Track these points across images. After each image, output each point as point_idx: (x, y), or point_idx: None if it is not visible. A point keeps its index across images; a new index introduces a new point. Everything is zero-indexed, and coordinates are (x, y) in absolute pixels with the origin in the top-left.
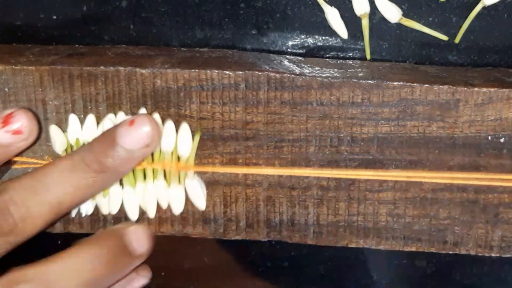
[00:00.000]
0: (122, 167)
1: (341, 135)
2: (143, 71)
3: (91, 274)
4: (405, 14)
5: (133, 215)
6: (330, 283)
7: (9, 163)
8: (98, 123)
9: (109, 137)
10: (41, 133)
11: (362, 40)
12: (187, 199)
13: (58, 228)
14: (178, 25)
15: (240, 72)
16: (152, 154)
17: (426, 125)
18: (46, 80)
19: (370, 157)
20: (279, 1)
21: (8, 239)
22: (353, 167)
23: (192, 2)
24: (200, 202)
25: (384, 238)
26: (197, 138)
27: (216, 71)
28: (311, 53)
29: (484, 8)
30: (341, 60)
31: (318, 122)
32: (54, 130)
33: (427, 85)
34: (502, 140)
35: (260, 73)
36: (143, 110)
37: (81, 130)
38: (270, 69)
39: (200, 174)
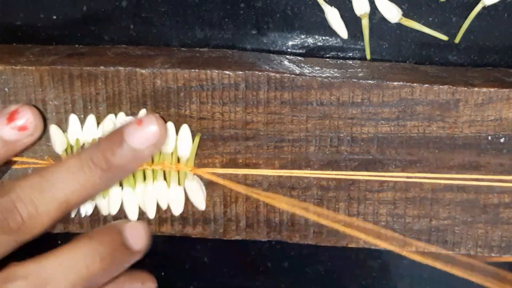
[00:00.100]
0: (129, 165)
1: (341, 135)
2: (143, 71)
3: (86, 270)
4: (405, 14)
5: (133, 215)
6: (330, 283)
7: (9, 163)
8: (98, 123)
9: (116, 136)
10: (46, 129)
11: (362, 40)
12: (187, 199)
13: (58, 228)
14: (178, 25)
15: (240, 72)
16: (152, 156)
17: (426, 125)
18: (46, 80)
19: (370, 157)
20: (279, 1)
21: (15, 237)
22: (353, 167)
23: (192, 2)
24: (200, 202)
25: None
26: (197, 139)
27: (216, 71)
28: (311, 53)
29: (484, 8)
30: (341, 60)
31: (318, 122)
32: (54, 130)
33: (427, 85)
34: (502, 140)
35: (260, 73)
36: (143, 111)
37: (81, 130)
38: (270, 69)
39: (200, 174)
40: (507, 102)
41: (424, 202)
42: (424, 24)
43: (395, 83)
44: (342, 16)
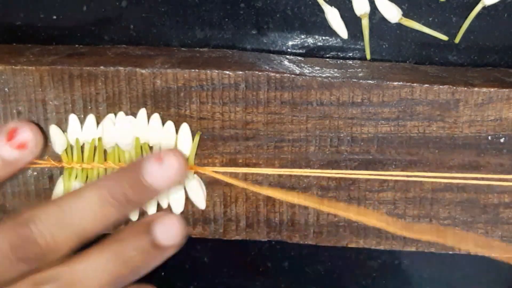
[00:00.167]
0: (146, 200)
1: (341, 135)
2: (143, 71)
3: (115, 272)
4: (405, 14)
5: (133, 215)
6: (330, 283)
7: None
8: (98, 123)
9: (136, 173)
10: (46, 143)
11: (362, 40)
12: (187, 199)
13: None
14: (178, 25)
15: (240, 72)
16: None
17: (426, 125)
18: (46, 80)
19: (370, 157)
20: (279, 1)
21: (32, 266)
22: (353, 167)
23: (192, 2)
24: (200, 201)
25: (384, 238)
26: (197, 138)
27: (216, 71)
28: (311, 53)
29: (484, 8)
30: (341, 60)
31: (318, 122)
32: (54, 130)
33: (427, 85)
34: (502, 140)
35: (260, 73)
36: (143, 110)
37: (81, 130)
38: (270, 69)
39: (200, 174)
40: (507, 102)
41: (424, 202)
42: (424, 24)
43: (395, 83)
44: (342, 16)
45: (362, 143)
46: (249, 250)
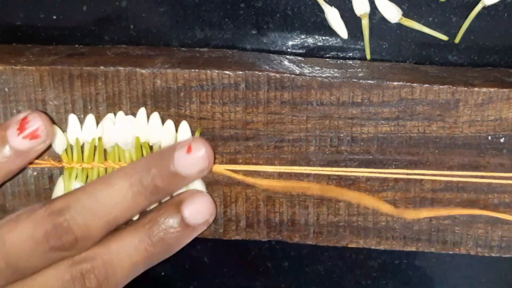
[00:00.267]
0: (176, 188)
1: (341, 135)
2: (143, 71)
3: (146, 251)
4: (405, 14)
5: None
6: (330, 283)
7: None
8: (98, 123)
9: (166, 161)
10: (56, 132)
11: (362, 40)
12: None
13: None
14: (178, 25)
15: (240, 72)
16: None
17: (426, 125)
18: (46, 80)
19: (370, 157)
20: (279, 1)
21: (66, 253)
22: (353, 167)
23: (192, 2)
24: None
25: (384, 238)
26: (197, 135)
27: (216, 71)
28: (311, 53)
29: (484, 8)
30: (341, 60)
31: (318, 122)
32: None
33: (427, 85)
34: (502, 140)
35: (260, 73)
36: (143, 110)
37: (81, 130)
38: (270, 69)
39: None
40: (507, 102)
41: (424, 202)
42: (424, 24)
43: (395, 83)
44: (342, 16)
45: (362, 143)
46: (249, 250)
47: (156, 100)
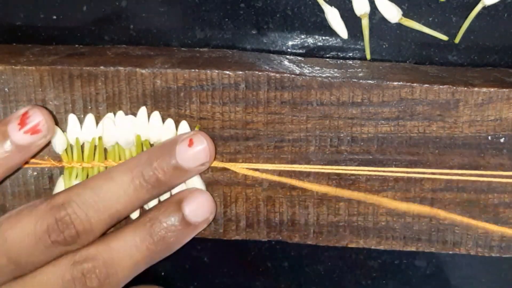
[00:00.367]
0: (177, 182)
1: (341, 135)
2: (143, 71)
3: (148, 250)
4: (405, 14)
5: (134, 213)
6: (330, 283)
7: None
8: (97, 123)
9: (168, 155)
10: (57, 123)
11: (362, 40)
12: None
13: None
14: (178, 25)
15: (240, 72)
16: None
17: (426, 125)
18: (46, 80)
19: (370, 157)
20: (279, 1)
21: (68, 248)
22: (353, 167)
23: (192, 2)
24: None
25: (384, 238)
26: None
27: (216, 71)
28: (311, 53)
29: (484, 8)
30: (341, 60)
31: (318, 122)
32: None
33: (427, 85)
34: (502, 140)
35: (260, 73)
36: (143, 109)
37: (81, 130)
38: (270, 69)
39: (200, 173)
40: (507, 102)
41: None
42: (424, 24)
43: (395, 83)
44: (342, 16)
45: (362, 143)
46: (249, 250)
47: (156, 100)
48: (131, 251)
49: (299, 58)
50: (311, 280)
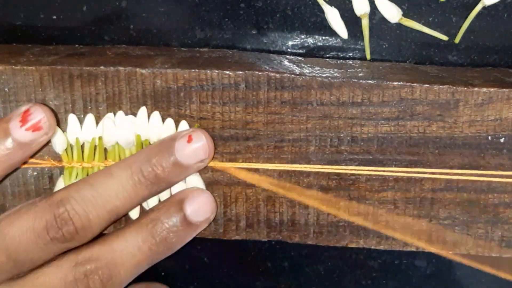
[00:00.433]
0: (176, 179)
1: (341, 135)
2: (143, 71)
3: (152, 250)
4: (405, 14)
5: (134, 213)
6: (330, 283)
7: None
8: (97, 122)
9: (167, 151)
10: (59, 122)
11: (362, 40)
12: None
13: None
14: (178, 25)
15: (240, 72)
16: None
17: (426, 125)
18: (46, 80)
19: (370, 157)
20: (279, 1)
21: (67, 245)
22: (353, 167)
23: (192, 2)
24: None
25: (384, 238)
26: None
27: (216, 71)
28: (311, 53)
29: (484, 8)
30: (341, 60)
31: (318, 122)
32: None
33: (427, 85)
34: (502, 140)
35: (260, 73)
36: (143, 109)
37: (81, 129)
38: (270, 69)
39: (200, 173)
40: (507, 102)
41: (424, 202)
42: (424, 24)
43: (395, 83)
44: (342, 16)
45: (362, 143)
46: (249, 250)
47: (156, 100)
48: (133, 251)
49: (299, 58)
50: (311, 280)
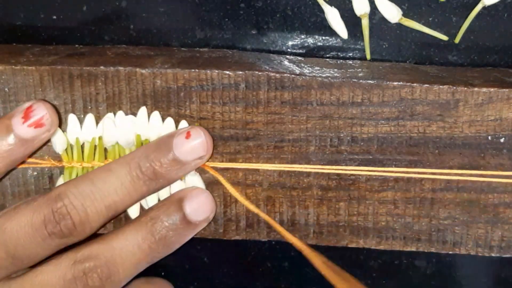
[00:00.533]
0: (175, 175)
1: (341, 135)
2: (143, 71)
3: (152, 249)
4: (405, 14)
5: (134, 212)
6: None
7: None
8: (97, 122)
9: (165, 147)
10: (60, 123)
11: (362, 40)
12: None
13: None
14: (178, 25)
15: (240, 72)
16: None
17: (426, 125)
18: (46, 80)
19: (370, 157)
20: (279, 1)
21: (65, 241)
22: (353, 167)
23: (192, 2)
24: None
25: (384, 238)
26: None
27: (216, 71)
28: (311, 53)
29: (484, 8)
30: (341, 60)
31: (318, 122)
32: None
33: (427, 85)
34: (502, 140)
35: (260, 73)
36: (143, 109)
37: (81, 129)
38: (270, 69)
39: (200, 173)
40: (507, 102)
41: (424, 202)
42: (424, 24)
43: (395, 83)
44: (342, 16)
45: (362, 143)
46: (249, 250)
47: (156, 100)
48: (132, 250)
49: (299, 58)
50: (311, 280)
